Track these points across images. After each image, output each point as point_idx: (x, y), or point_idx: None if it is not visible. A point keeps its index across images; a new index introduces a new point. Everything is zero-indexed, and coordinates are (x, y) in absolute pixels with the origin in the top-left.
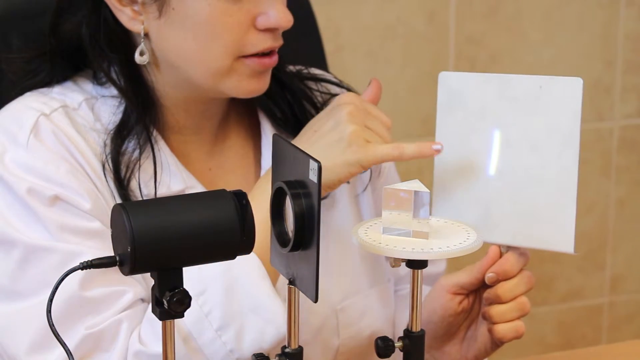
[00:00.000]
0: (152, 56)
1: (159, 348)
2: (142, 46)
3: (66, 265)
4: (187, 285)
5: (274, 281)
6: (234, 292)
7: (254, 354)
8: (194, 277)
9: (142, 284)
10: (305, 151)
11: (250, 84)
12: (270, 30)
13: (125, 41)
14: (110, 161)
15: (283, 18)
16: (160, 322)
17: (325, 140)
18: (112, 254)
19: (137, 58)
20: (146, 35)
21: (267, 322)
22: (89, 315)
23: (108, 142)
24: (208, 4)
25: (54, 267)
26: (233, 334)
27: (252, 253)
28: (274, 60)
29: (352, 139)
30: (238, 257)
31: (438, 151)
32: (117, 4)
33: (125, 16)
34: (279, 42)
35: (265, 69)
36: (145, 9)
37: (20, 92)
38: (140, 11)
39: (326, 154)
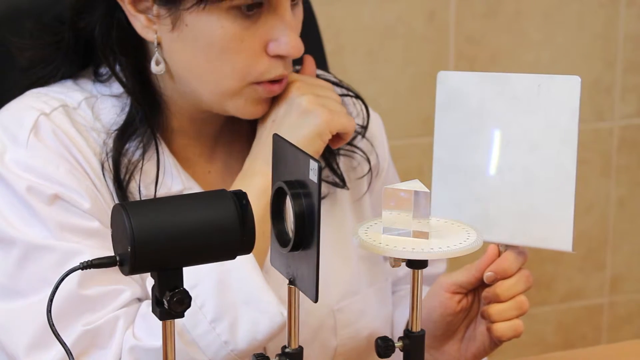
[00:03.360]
0: (164, 64)
1: (153, 342)
2: (157, 55)
3: (65, 263)
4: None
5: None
6: (226, 285)
7: (254, 354)
8: (186, 270)
9: (139, 282)
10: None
11: (255, 108)
12: (281, 57)
13: (137, 46)
14: (110, 161)
15: (295, 47)
16: (154, 316)
17: (288, 122)
18: (111, 253)
19: (154, 68)
20: (159, 44)
21: (261, 313)
22: (86, 312)
23: (109, 142)
24: (221, 26)
25: (53, 266)
26: (227, 325)
27: None
28: (282, 86)
29: (310, 107)
30: None
31: None
32: (132, 10)
33: (139, 23)
34: (289, 70)
35: (273, 95)
36: (160, 20)
37: (22, 90)
38: (154, 20)
39: (294, 132)
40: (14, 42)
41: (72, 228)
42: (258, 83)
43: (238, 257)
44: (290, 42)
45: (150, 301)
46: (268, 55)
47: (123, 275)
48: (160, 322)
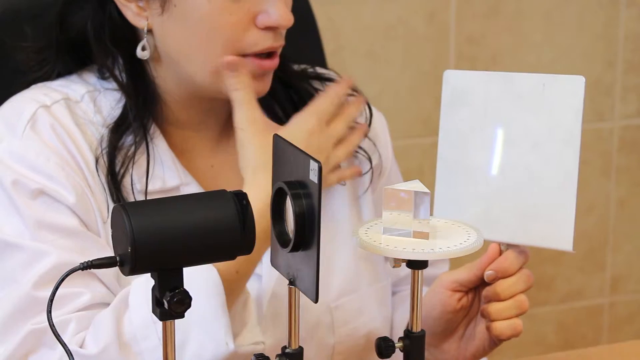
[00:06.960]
0: (154, 52)
1: (93, 349)
2: (144, 41)
3: (32, 263)
4: (145, 290)
5: (235, 295)
6: None
7: (254, 354)
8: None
9: (115, 286)
10: None
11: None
12: (271, 29)
13: (129, 37)
14: (105, 156)
15: (283, 17)
16: (102, 323)
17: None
18: (82, 255)
19: (139, 53)
20: (150, 31)
21: (209, 338)
22: (38, 314)
23: (106, 136)
24: (208, 1)
25: (21, 264)
26: (175, 345)
27: (211, 266)
28: (274, 62)
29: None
30: (197, 269)
31: None
32: (122, 0)
33: (130, 12)
34: (279, 42)
35: (264, 71)
36: (149, 5)
37: (25, 86)
38: (144, 7)
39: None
40: (10, 44)
41: (49, 226)
42: (245, 56)
43: (202, 277)
44: (279, 13)
45: (111, 306)
46: (257, 27)
47: (90, 279)
48: (105, 331)
